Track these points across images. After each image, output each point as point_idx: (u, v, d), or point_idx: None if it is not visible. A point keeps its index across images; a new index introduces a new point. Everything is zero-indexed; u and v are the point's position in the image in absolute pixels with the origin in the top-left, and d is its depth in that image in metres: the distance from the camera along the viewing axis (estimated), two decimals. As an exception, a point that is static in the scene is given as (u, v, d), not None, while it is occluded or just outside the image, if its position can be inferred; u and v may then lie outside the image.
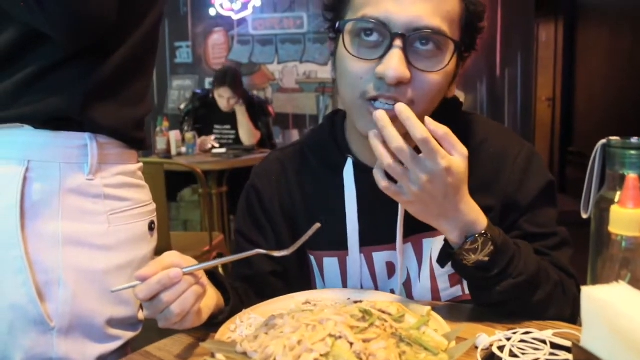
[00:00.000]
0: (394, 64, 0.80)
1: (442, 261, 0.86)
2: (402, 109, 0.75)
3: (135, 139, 0.99)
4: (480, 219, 0.81)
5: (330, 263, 1.01)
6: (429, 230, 0.94)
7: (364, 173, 0.96)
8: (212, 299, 0.82)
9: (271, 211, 1.03)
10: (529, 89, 5.09)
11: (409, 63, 0.82)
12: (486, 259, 0.80)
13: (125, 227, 0.95)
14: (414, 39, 0.82)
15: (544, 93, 7.17)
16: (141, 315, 1.00)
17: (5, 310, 0.84)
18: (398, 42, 0.81)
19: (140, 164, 1.03)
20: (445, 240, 0.84)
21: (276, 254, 0.86)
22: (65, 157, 0.88)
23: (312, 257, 1.02)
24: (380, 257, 0.98)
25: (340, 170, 0.98)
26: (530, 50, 5.08)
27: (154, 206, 1.04)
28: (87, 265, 0.89)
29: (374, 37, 0.84)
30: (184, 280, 0.74)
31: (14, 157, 0.86)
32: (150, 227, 1.01)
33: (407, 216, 0.92)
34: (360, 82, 0.85)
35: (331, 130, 1.03)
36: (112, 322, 0.94)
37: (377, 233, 0.96)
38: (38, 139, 0.87)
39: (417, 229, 0.95)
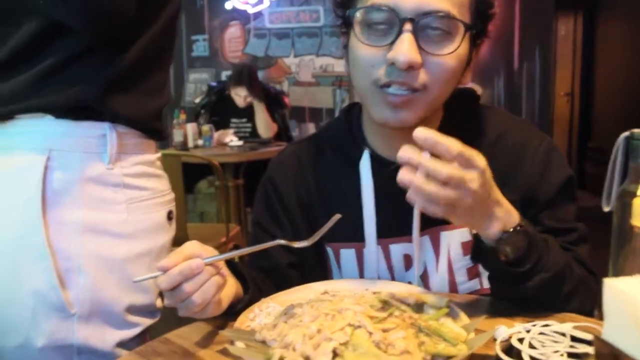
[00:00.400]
0: (405, 48, 0.81)
1: (475, 258, 0.85)
2: (424, 135, 0.68)
3: (154, 129, 1.00)
4: (512, 211, 0.79)
5: (348, 255, 1.01)
6: (446, 223, 0.94)
7: (380, 165, 0.97)
8: (231, 288, 0.83)
9: (288, 204, 1.04)
10: (547, 83, 5.05)
11: (419, 47, 0.82)
12: (521, 252, 0.79)
13: (144, 216, 0.96)
14: (424, 24, 0.82)
15: (562, 88, 7.09)
16: (159, 302, 1.01)
17: (27, 296, 0.86)
18: (408, 27, 0.81)
19: (159, 154, 1.05)
20: (476, 237, 0.82)
21: (297, 244, 0.86)
22: (86, 146, 0.90)
23: (329, 249, 1.03)
24: (397, 250, 0.98)
25: (357, 163, 0.98)
26: (548, 44, 5.03)
27: (172, 196, 1.05)
28: (107, 253, 0.91)
29: (384, 25, 0.84)
30: (205, 271, 0.75)
31: (35, 147, 0.87)
32: (169, 217, 1.03)
33: None
34: (372, 70, 0.85)
35: (347, 124, 1.03)
36: (132, 309, 0.95)
37: (394, 225, 0.96)
38: (59, 128, 0.88)
39: (434, 222, 0.94)
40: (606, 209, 0.76)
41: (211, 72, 5.73)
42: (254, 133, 4.12)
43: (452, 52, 0.84)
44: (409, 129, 0.89)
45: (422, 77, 0.84)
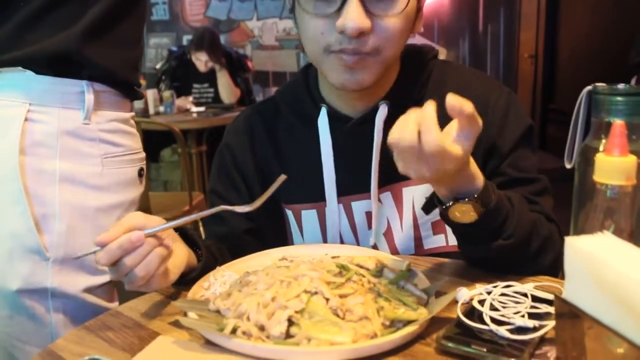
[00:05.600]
0: (353, 14, 0.79)
1: (427, 209, 0.83)
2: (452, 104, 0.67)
3: (130, 83, 1.03)
4: (474, 183, 0.75)
5: (309, 216, 0.99)
6: (407, 179, 0.92)
7: (338, 122, 0.95)
8: (180, 257, 0.79)
9: (245, 169, 1.02)
10: (512, 45, 5.05)
11: (367, 12, 0.80)
12: (473, 220, 0.75)
13: (117, 170, 1.00)
14: None
15: (526, 50, 7.10)
16: None
17: (5, 237, 0.89)
18: None
19: (133, 113, 1.08)
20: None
21: (239, 209, 0.81)
22: (64, 102, 0.93)
23: (289, 212, 1.00)
24: (359, 207, 0.96)
25: (315, 122, 0.96)
26: (513, 5, 5.01)
27: (143, 154, 1.09)
28: (82, 202, 0.94)
29: None
30: (146, 243, 0.71)
31: (17, 99, 0.91)
32: (140, 174, 1.06)
33: (385, 165, 0.90)
34: (322, 38, 0.84)
35: (305, 83, 1.01)
36: None
37: (355, 182, 0.95)
38: (39, 84, 0.92)
39: (395, 178, 0.93)
40: (568, 165, 0.74)
41: (172, 37, 5.57)
42: (216, 98, 4.04)
43: (401, 12, 0.82)
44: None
45: (373, 41, 0.82)
